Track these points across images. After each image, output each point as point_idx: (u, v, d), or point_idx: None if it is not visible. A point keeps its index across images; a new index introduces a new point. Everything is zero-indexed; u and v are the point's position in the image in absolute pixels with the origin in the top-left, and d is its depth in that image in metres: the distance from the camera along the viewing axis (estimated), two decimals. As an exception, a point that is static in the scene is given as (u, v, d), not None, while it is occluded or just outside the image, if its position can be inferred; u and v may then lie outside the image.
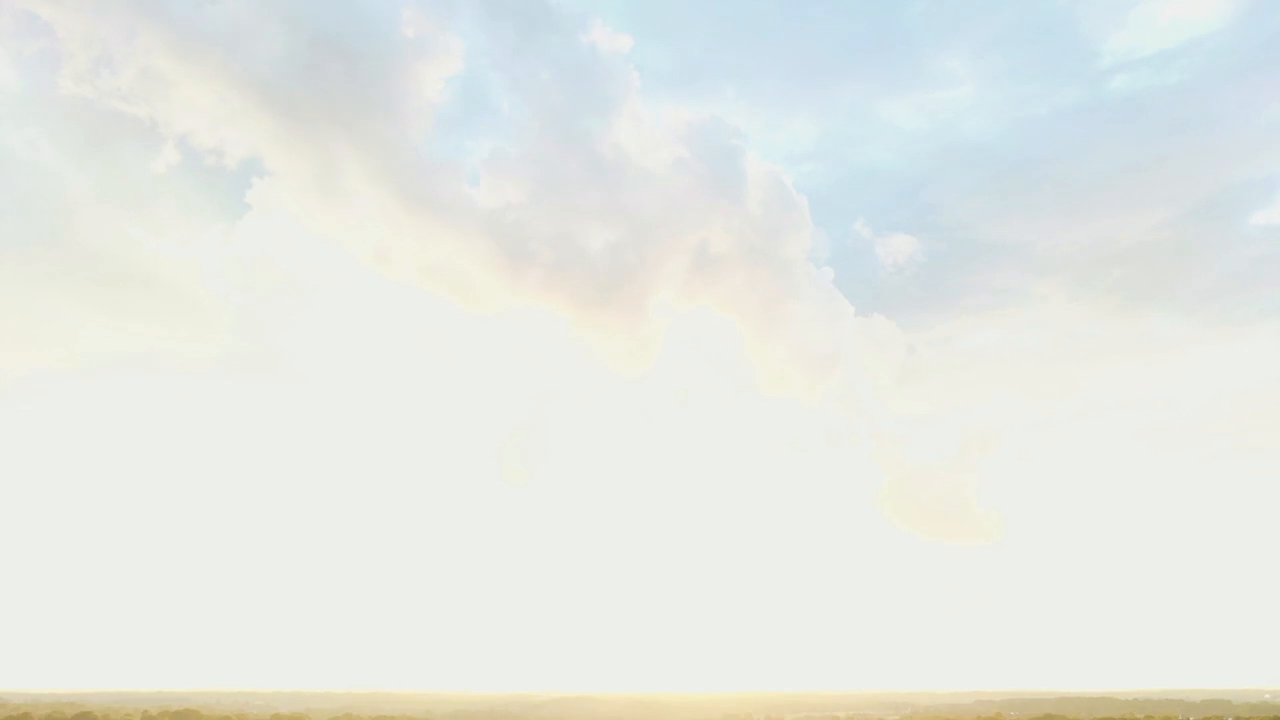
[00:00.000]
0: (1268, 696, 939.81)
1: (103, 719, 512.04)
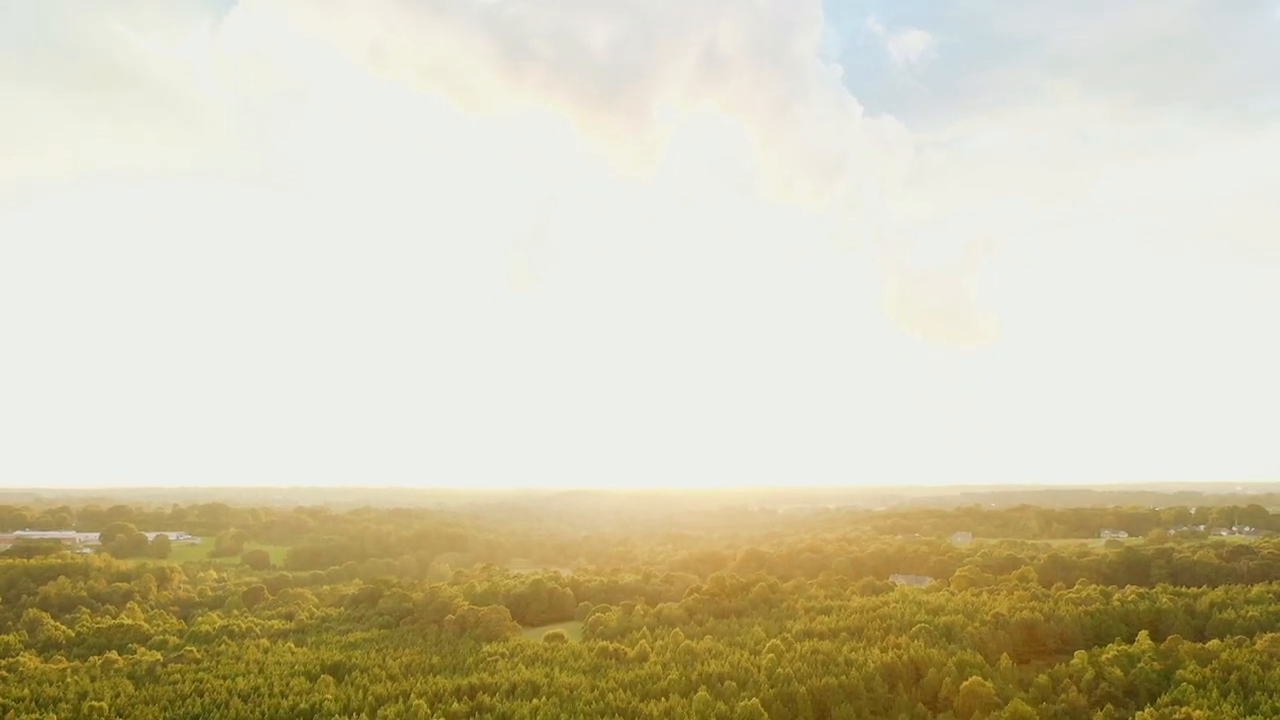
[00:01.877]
0: (1238, 489, 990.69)
1: (136, 512, 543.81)
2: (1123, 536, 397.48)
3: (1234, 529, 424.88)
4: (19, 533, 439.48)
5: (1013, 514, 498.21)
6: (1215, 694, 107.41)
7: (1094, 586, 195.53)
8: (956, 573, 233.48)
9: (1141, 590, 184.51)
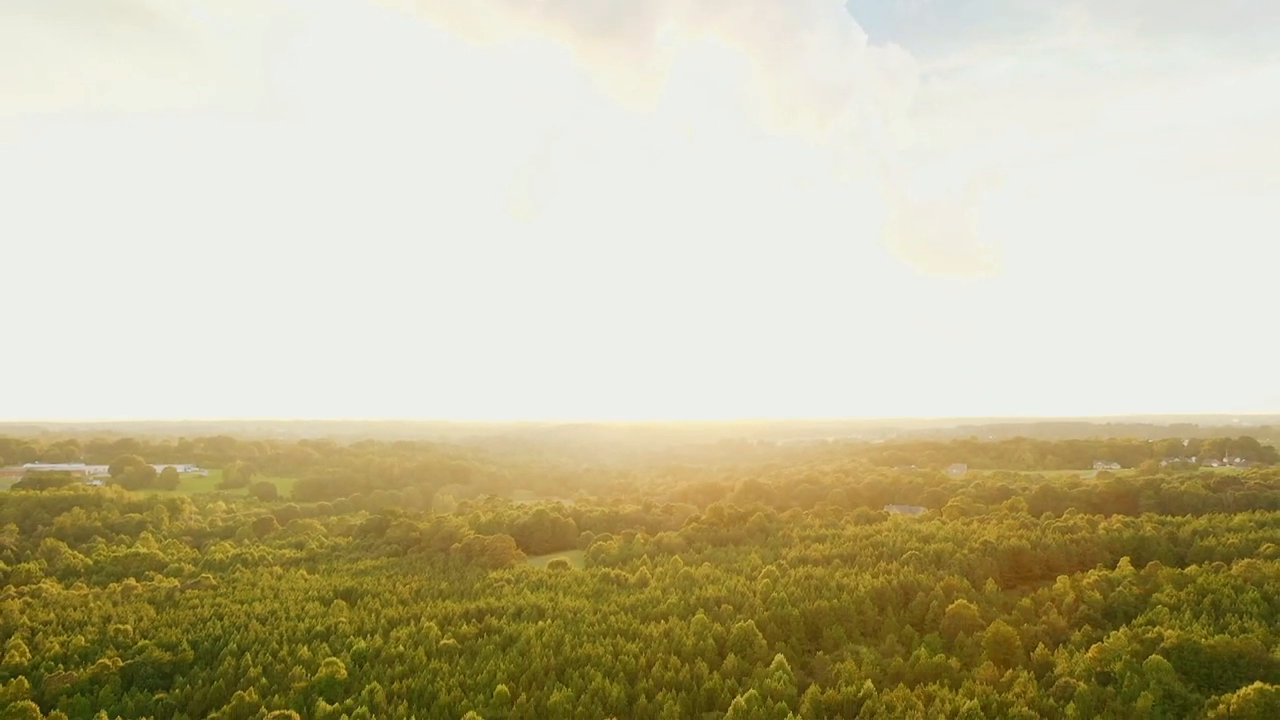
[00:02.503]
0: (1234, 421, 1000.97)
1: (143, 446, 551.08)
2: (1115, 468, 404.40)
3: (1225, 460, 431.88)
4: (29, 465, 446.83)
5: (1008, 446, 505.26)
6: (1188, 615, 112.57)
7: (1081, 516, 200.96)
8: (949, 503, 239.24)
9: (1127, 519, 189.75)
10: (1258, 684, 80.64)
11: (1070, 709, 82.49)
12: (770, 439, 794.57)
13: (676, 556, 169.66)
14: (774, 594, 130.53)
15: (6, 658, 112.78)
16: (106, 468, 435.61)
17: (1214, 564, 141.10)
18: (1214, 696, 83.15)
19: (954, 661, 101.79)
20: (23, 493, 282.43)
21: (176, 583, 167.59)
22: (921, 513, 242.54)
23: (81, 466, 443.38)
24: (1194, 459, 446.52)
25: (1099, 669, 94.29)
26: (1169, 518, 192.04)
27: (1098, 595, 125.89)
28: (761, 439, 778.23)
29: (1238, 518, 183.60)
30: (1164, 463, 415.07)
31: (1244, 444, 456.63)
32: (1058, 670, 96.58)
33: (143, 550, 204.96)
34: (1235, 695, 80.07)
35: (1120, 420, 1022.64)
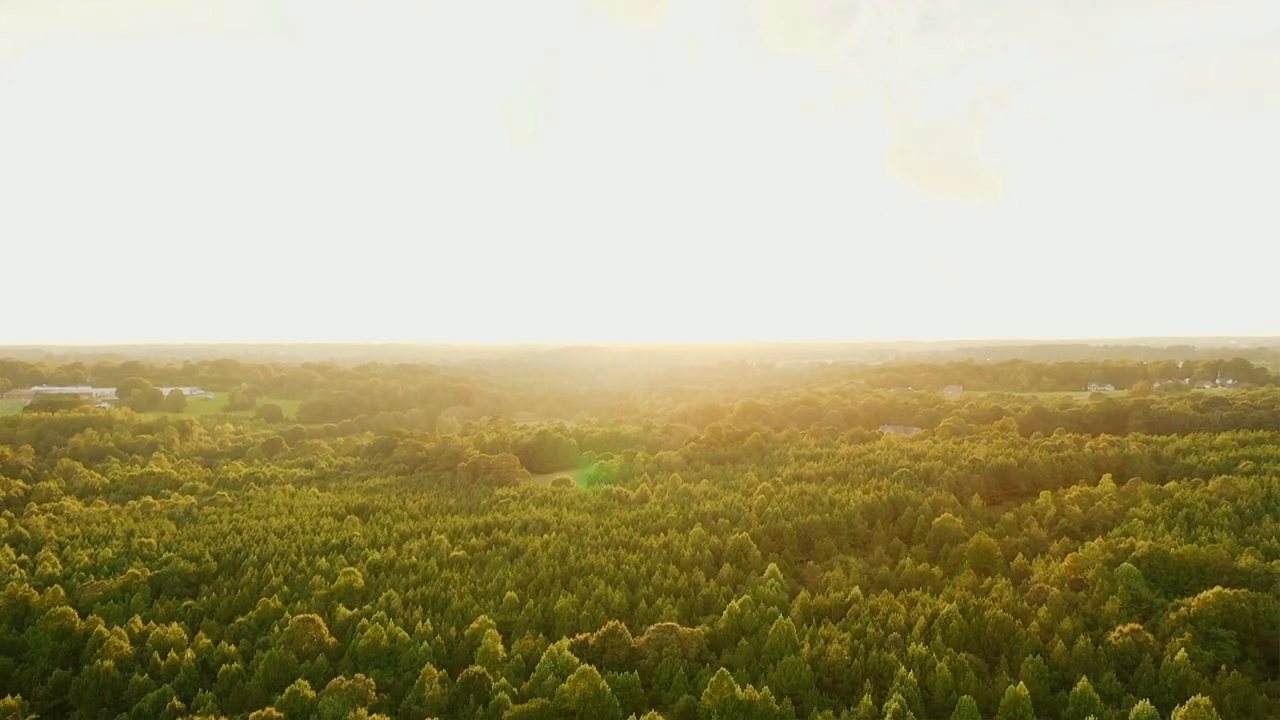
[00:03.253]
0: (1232, 343, 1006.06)
1: (148, 369, 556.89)
2: (1109, 389, 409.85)
3: (1217, 382, 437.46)
4: (36, 388, 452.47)
5: (1004, 368, 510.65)
6: (1162, 527, 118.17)
7: (1070, 436, 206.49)
8: (942, 423, 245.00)
9: (1113, 438, 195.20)
10: (1217, 588, 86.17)
11: (1042, 611, 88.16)
12: (770, 361, 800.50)
13: (675, 474, 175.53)
14: (769, 509, 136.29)
15: (40, 568, 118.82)
16: (114, 390, 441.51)
17: (1193, 481, 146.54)
18: (1177, 600, 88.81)
19: (937, 570, 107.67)
20: (35, 415, 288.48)
21: (193, 500, 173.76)
22: (915, 433, 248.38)
23: (89, 389, 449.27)
24: (1187, 380, 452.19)
25: (1073, 576, 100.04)
26: (1155, 437, 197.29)
27: (1078, 509, 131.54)
28: (761, 361, 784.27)
29: (1220, 437, 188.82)
30: (1157, 385, 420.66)
31: (1237, 365, 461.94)
32: (1034, 577, 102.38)
33: (157, 470, 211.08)
34: (1196, 599, 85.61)
35: (1119, 342, 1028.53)
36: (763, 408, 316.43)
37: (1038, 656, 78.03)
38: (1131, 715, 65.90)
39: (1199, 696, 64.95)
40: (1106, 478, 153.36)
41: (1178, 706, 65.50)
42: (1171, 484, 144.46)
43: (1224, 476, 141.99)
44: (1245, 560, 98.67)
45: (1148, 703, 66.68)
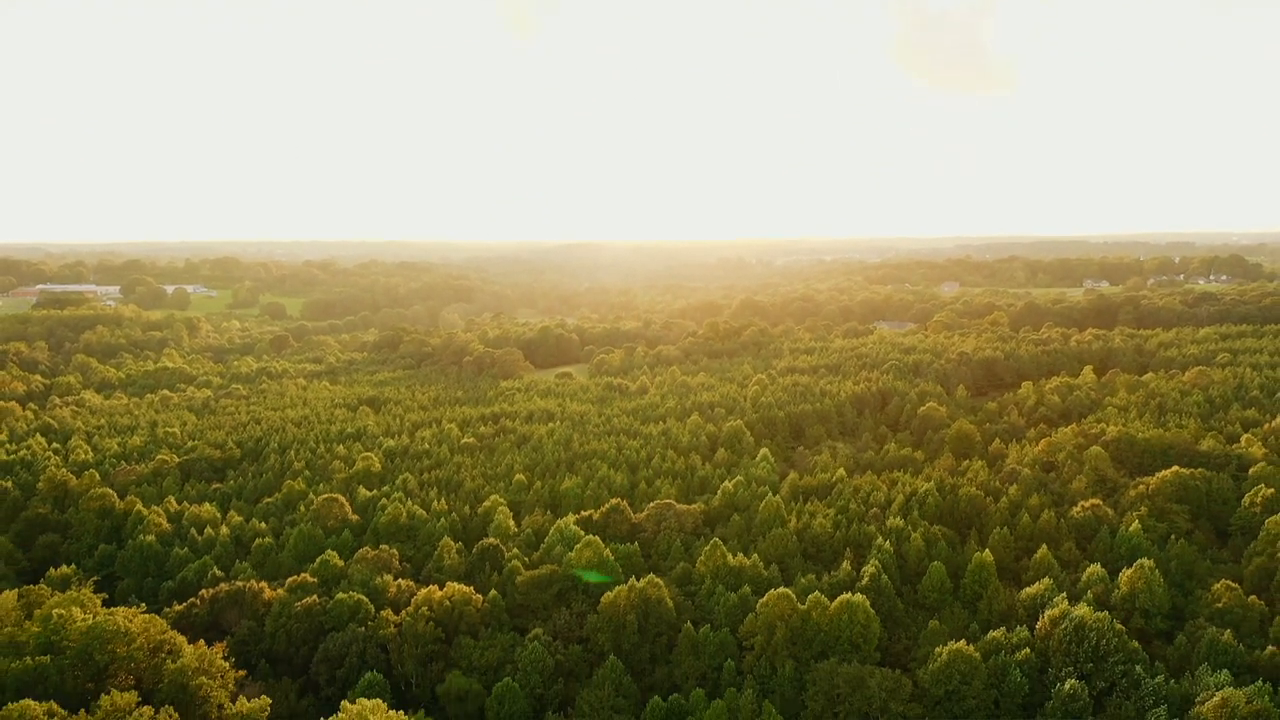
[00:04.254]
0: (1233, 239, 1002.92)
1: (150, 266, 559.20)
2: (1103, 285, 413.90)
3: (1211, 278, 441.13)
4: (41, 286, 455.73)
5: (1001, 264, 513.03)
6: (1134, 414, 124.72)
7: (1058, 330, 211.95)
8: (935, 318, 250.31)
9: (1099, 332, 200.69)
10: (1175, 468, 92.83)
11: (1013, 490, 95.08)
12: (769, 258, 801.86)
13: (674, 368, 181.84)
14: (763, 399, 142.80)
15: (73, 455, 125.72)
16: (118, 288, 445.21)
17: (1170, 372, 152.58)
18: (1138, 479, 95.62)
19: (919, 454, 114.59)
20: (44, 312, 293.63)
21: (209, 393, 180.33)
22: (908, 328, 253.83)
23: (93, 287, 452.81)
24: (1181, 276, 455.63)
25: (1045, 459, 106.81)
26: (1140, 332, 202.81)
27: (1057, 399, 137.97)
28: (760, 258, 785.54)
29: (1203, 331, 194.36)
30: (1151, 280, 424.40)
31: (1232, 261, 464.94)
32: (1009, 460, 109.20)
33: (170, 365, 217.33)
34: (1154, 478, 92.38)
35: (1118, 238, 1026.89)
36: (760, 304, 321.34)
37: (1005, 529, 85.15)
38: (1084, 576, 73.12)
39: (1145, 560, 71.96)
40: (1087, 369, 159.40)
41: (1125, 568, 72.61)
42: (1149, 375, 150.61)
43: (1200, 368, 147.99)
44: (1207, 444, 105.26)
45: (1099, 566, 73.84)
